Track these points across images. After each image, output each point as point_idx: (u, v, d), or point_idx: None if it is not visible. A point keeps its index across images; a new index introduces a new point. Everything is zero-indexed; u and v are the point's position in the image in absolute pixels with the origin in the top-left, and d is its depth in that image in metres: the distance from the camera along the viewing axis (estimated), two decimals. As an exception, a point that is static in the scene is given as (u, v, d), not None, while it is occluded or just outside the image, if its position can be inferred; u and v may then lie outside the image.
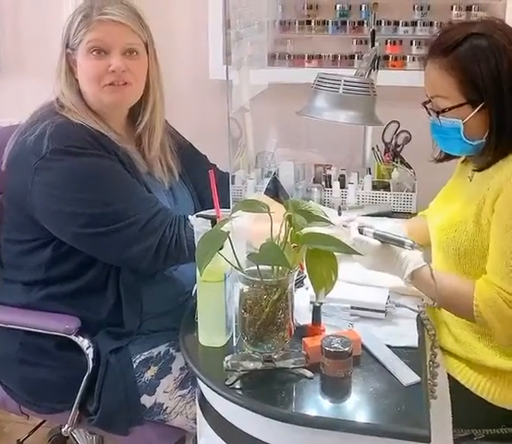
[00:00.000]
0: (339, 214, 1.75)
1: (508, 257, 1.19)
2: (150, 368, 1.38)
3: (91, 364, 1.34)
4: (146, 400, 1.36)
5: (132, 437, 1.37)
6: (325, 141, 1.89)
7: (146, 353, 1.39)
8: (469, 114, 1.26)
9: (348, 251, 1.07)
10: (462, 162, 1.45)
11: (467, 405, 1.26)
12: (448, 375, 1.30)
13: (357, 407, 1.00)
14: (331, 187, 1.88)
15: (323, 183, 1.90)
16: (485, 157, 1.30)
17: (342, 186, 1.87)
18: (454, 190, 1.44)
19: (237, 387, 1.04)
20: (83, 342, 1.35)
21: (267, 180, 1.79)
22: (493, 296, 1.19)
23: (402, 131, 1.91)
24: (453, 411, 1.22)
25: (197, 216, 1.18)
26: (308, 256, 1.01)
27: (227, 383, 1.04)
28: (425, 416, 0.96)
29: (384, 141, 1.94)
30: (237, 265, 1.04)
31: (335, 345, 1.05)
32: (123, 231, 1.30)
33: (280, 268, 1.03)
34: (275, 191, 1.74)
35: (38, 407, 1.44)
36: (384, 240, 1.32)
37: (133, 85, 1.40)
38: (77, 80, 1.41)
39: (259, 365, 1.06)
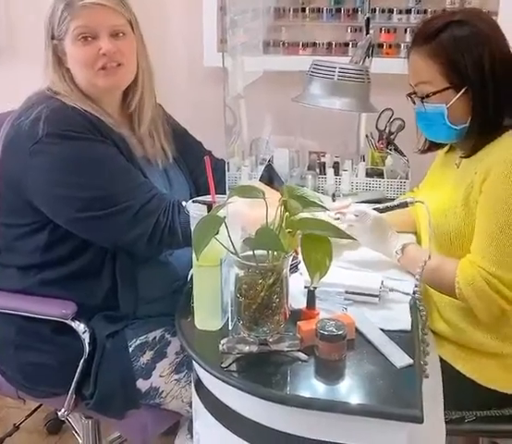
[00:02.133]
0: (333, 200, 1.76)
1: (491, 238, 1.22)
2: (145, 353, 1.39)
3: (87, 349, 1.35)
4: (142, 385, 1.37)
5: (128, 421, 1.39)
6: (319, 128, 1.89)
7: (142, 338, 1.40)
8: (453, 98, 1.28)
9: (343, 235, 1.09)
10: (447, 152, 1.47)
11: (458, 388, 1.29)
12: (440, 358, 1.32)
13: (351, 389, 1.02)
14: (325, 174, 1.88)
15: (318, 170, 1.90)
16: (470, 142, 1.31)
17: (336, 173, 1.87)
18: (440, 178, 1.45)
19: (233, 369, 1.05)
20: (79, 327, 1.36)
21: (262, 168, 1.79)
22: (473, 275, 1.22)
23: (396, 119, 1.91)
24: (444, 393, 1.24)
25: (193, 202, 1.19)
26: (303, 241, 1.02)
27: (223, 365, 1.05)
28: (418, 397, 0.97)
29: (377, 128, 1.94)
30: (232, 249, 1.04)
31: (330, 328, 1.06)
32: (117, 216, 1.30)
33: (275, 253, 1.04)
34: (270, 177, 1.74)
35: (34, 391, 1.45)
36: (384, 208, 1.42)
37: (126, 65, 1.40)
38: (67, 69, 1.40)
39: (254, 348, 1.07)
